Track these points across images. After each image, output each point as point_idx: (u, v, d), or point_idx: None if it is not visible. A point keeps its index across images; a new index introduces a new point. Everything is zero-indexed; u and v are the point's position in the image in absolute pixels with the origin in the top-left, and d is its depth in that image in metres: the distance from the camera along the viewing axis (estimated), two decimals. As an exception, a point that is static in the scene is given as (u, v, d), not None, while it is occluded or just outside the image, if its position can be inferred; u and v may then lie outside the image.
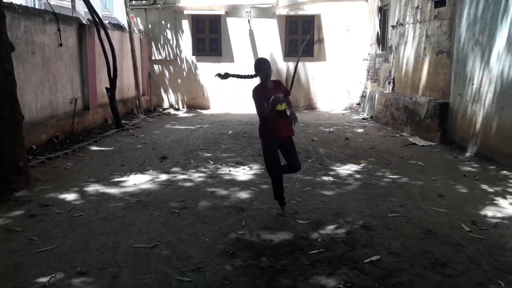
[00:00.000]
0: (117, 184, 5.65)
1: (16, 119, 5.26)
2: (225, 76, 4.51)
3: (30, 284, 3.12)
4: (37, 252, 3.64)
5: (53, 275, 3.24)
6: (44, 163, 6.50)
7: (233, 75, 4.58)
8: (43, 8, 11.44)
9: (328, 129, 10.03)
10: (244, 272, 3.34)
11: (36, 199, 4.99)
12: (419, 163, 6.80)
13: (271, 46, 13.69)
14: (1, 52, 5.00)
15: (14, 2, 7.49)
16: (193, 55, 13.95)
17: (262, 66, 4.37)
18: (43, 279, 3.19)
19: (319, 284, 3.18)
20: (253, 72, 4.48)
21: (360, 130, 10.02)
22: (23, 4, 11.44)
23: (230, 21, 13.67)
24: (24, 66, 7.32)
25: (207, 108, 14.08)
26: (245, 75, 4.55)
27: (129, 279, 3.22)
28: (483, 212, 4.66)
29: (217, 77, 4.52)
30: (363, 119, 11.80)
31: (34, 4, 23.56)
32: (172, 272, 3.32)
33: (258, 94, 4.32)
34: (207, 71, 13.92)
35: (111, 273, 3.30)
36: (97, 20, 9.24)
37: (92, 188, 5.47)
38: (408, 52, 9.89)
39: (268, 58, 13.35)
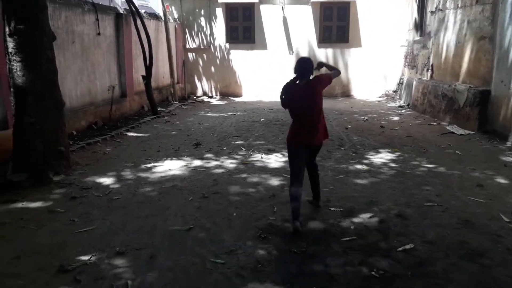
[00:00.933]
0: (153, 169, 5.80)
1: (58, 105, 5.47)
2: (319, 65, 4.24)
3: (72, 262, 3.28)
4: (78, 232, 3.82)
5: (94, 254, 3.39)
6: (84, 148, 6.75)
7: (326, 64, 4.38)
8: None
9: (362, 117, 9.87)
10: (276, 257, 3.38)
11: (77, 182, 5.21)
12: (457, 152, 6.60)
13: (305, 33, 13.54)
14: (44, 41, 5.20)
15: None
16: (226, 42, 14.00)
17: (302, 68, 3.95)
18: (84, 258, 3.34)
19: (352, 271, 3.18)
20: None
21: (396, 118, 9.81)
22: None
23: (264, 9, 13.60)
24: (65, 54, 7.58)
25: (239, 95, 14.14)
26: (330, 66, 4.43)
27: (165, 259, 3.33)
28: (524, 203, 4.49)
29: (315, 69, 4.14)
30: (400, 106, 11.53)
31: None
32: (206, 254, 3.40)
33: (284, 90, 3.95)
34: (240, 58, 13.96)
35: (148, 253, 3.42)
36: (134, 9, 9.41)
37: (130, 172, 5.64)
38: (448, 38, 9.54)
39: (302, 45, 13.27)
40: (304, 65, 3.96)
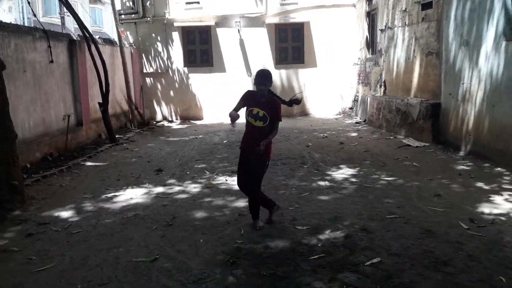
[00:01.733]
0: (113, 199, 5.62)
1: (10, 138, 5.23)
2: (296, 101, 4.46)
3: (30, 303, 3.09)
4: (36, 271, 3.61)
5: (53, 294, 3.21)
6: (39, 181, 6.46)
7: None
8: (33, 25, 11.43)
9: (322, 134, 10.06)
10: (246, 281, 3.33)
11: (33, 217, 4.95)
12: (414, 164, 6.84)
13: (262, 54, 13.77)
14: (-8, 71, 4.99)
15: (3, 21, 7.48)
16: (184, 66, 13.99)
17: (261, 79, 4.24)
18: (43, 298, 3.16)
19: (322, 289, 3.18)
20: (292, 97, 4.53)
21: (354, 134, 10.07)
22: (13, 22, 11.42)
23: (220, 32, 13.74)
24: (16, 84, 7.30)
25: (200, 118, 14.09)
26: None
27: (130, 293, 3.20)
28: (480, 210, 4.69)
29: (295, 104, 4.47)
30: (357, 123, 11.86)
31: (24, 22, 23.54)
32: (173, 285, 3.30)
33: (243, 95, 4.42)
34: (199, 82, 13.96)
35: (112, 288, 3.28)
36: (88, 35, 9.24)
37: (89, 204, 5.43)
38: (398, 55, 9.99)
39: (259, 66, 13.47)
40: (263, 77, 4.24)
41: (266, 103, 4.25)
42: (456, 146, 7.48)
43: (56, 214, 5.07)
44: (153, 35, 13.84)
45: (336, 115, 13.81)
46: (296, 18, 13.50)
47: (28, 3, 10.28)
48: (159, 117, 14.18)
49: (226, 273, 3.45)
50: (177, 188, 5.99)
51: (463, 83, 7.28)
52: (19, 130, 6.51)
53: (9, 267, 3.71)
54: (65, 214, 5.07)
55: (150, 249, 3.97)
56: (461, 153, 7.25)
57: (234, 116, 4.19)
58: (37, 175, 6.69)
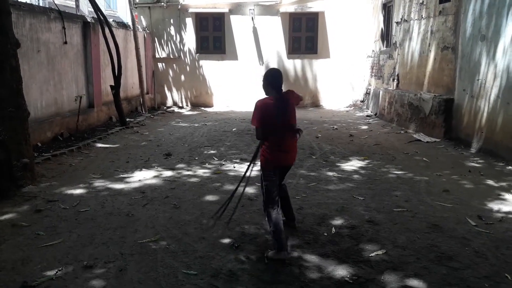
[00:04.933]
0: (122, 180, 5.67)
1: (22, 116, 5.28)
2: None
3: (37, 277, 3.14)
4: (43, 246, 3.66)
5: (60, 269, 3.26)
6: (50, 159, 6.52)
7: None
8: (47, 6, 11.45)
9: (332, 126, 10.01)
10: (250, 266, 3.35)
11: (42, 194, 5.02)
12: (424, 159, 6.78)
13: (275, 43, 13.67)
14: (7, 48, 5.02)
15: (18, 0, 7.51)
16: (196, 53, 13.96)
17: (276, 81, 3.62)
18: (50, 273, 3.20)
19: (326, 277, 3.18)
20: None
21: (364, 127, 10.00)
22: (28, 2, 11.47)
23: (234, 19, 13.67)
24: (29, 63, 7.35)
25: (210, 106, 14.09)
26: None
27: (135, 272, 3.23)
28: (488, 207, 4.64)
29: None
30: (367, 116, 11.78)
31: (39, 3, 23.63)
32: (178, 266, 3.33)
33: (258, 108, 3.55)
34: (211, 69, 13.94)
35: (118, 266, 3.31)
36: (102, 18, 9.25)
37: (98, 184, 5.48)
38: (412, 48, 9.86)
39: (272, 56, 13.37)
40: (278, 78, 3.63)
41: (280, 98, 3.66)
42: (467, 143, 7.39)
43: (65, 192, 5.13)
44: (167, 20, 13.81)
45: (347, 107, 13.72)
46: (311, 7, 13.36)
47: (44, -17, 10.32)
48: (169, 102, 14.20)
49: (230, 257, 3.47)
50: (185, 173, 6.02)
51: (478, 79, 7.17)
52: (31, 109, 6.57)
53: (18, 241, 3.77)
54: (74, 192, 5.13)
55: (157, 230, 4.00)
56: (472, 150, 7.16)
57: None
58: (47, 154, 6.76)
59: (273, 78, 3.64)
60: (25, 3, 7.82)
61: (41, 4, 22.71)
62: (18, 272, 3.22)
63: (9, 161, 5.02)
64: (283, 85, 3.65)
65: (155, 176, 5.84)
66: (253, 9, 13.38)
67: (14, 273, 3.21)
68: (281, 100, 3.59)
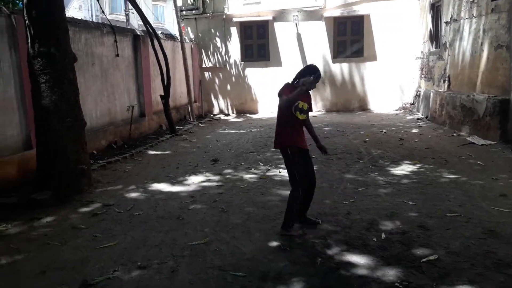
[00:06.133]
0: (173, 184, 5.87)
1: (79, 125, 5.61)
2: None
3: (95, 276, 3.32)
4: (100, 247, 3.87)
5: (116, 269, 3.42)
6: (105, 166, 6.86)
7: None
8: (100, 22, 12.10)
9: (381, 130, 9.80)
10: (298, 269, 3.35)
11: (99, 199, 5.29)
12: (479, 162, 6.49)
13: (320, 48, 13.62)
14: (66, 63, 5.37)
15: (75, 17, 8.00)
16: (241, 61, 14.18)
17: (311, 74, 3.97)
18: (107, 273, 3.37)
19: (375, 282, 3.13)
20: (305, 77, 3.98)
21: (415, 130, 9.71)
22: (83, 18, 12.17)
23: (278, 26, 13.77)
24: (85, 76, 7.79)
25: (255, 112, 14.23)
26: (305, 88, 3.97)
27: (186, 273, 3.33)
28: (551, 212, 4.37)
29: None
30: (418, 119, 11.42)
31: (92, 19, 24.97)
32: (227, 267, 3.40)
33: (284, 89, 4.00)
34: (255, 76, 14.10)
35: (170, 267, 3.44)
36: (151, 30, 9.64)
37: (150, 188, 5.71)
38: (463, 48, 9.48)
39: (317, 60, 13.34)
40: (304, 69, 4.05)
41: (307, 96, 4.09)
42: (526, 145, 6.99)
43: (120, 196, 5.38)
44: (212, 30, 14.15)
45: (396, 110, 13.37)
46: (356, 11, 13.21)
47: (98, 0, 10.89)
48: (216, 110, 14.50)
49: (279, 260, 3.50)
50: (232, 178, 6.13)
51: (536, 78, 6.78)
52: (87, 119, 6.91)
53: (77, 243, 4.00)
54: (128, 197, 5.37)
55: (206, 233, 4.10)
56: (532, 153, 6.77)
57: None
58: (102, 161, 7.11)
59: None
60: (81, 20, 8.33)
61: (94, 20, 24.01)
62: (78, 272, 3.42)
63: (68, 168, 5.34)
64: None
65: (203, 181, 5.99)
66: (297, 15, 13.41)
67: (74, 272, 3.41)
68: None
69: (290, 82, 4.10)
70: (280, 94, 4.01)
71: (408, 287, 3.04)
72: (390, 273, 3.24)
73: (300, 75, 4.02)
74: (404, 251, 3.61)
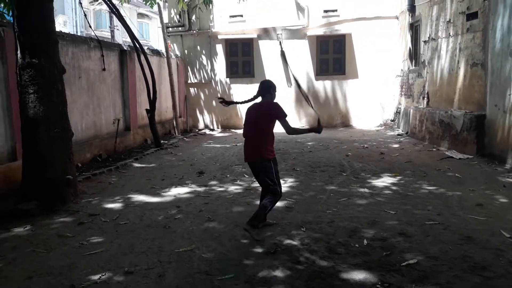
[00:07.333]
0: (158, 195, 5.92)
1: (67, 136, 5.65)
2: (229, 103, 4.87)
3: (83, 281, 3.34)
4: (87, 254, 3.89)
5: (103, 274, 3.46)
6: (90, 178, 6.87)
7: (236, 103, 5.04)
8: (87, 36, 12.18)
9: (362, 145, 10.02)
10: (283, 273, 3.44)
11: (84, 209, 5.31)
12: (457, 175, 6.72)
13: (303, 66, 13.94)
14: (55, 74, 5.44)
15: (62, 31, 8.07)
16: (227, 77, 14.38)
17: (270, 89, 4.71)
18: (94, 277, 3.41)
19: (357, 284, 3.24)
20: (254, 94, 4.76)
21: (396, 145, 9.97)
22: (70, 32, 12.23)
23: (262, 44, 14.06)
24: (71, 89, 7.83)
25: (240, 127, 14.31)
26: (247, 100, 4.85)
27: (173, 278, 3.39)
28: (524, 220, 4.57)
29: (222, 103, 4.83)
30: (398, 135, 11.72)
31: (76, 33, 24.98)
32: (214, 272, 3.47)
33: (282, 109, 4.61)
34: (240, 92, 14.28)
35: (157, 273, 3.49)
36: (138, 46, 9.76)
37: (136, 199, 5.75)
38: (441, 66, 9.86)
39: (300, 77, 13.62)
40: (261, 87, 4.71)
41: (258, 105, 4.74)
42: (501, 159, 7.27)
43: (105, 207, 5.41)
44: (198, 47, 14.36)
45: (378, 126, 13.69)
46: (338, 30, 13.60)
47: (85, 15, 11.00)
48: (201, 125, 14.61)
49: (265, 264, 3.58)
50: (218, 189, 6.21)
51: (510, 94, 7.11)
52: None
53: (64, 250, 4.02)
54: (114, 207, 5.40)
55: (192, 241, 4.16)
56: (507, 166, 7.04)
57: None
58: (87, 173, 7.12)
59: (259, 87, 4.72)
60: (68, 33, 8.41)
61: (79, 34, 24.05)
62: (66, 277, 3.44)
63: (55, 178, 5.36)
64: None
65: (189, 192, 6.06)
66: (281, 34, 13.75)
67: (61, 278, 3.43)
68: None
69: (259, 99, 4.75)
70: (285, 116, 4.57)
71: (388, 289, 3.16)
72: (372, 276, 3.36)
73: (265, 91, 4.70)
74: (385, 256, 3.74)
